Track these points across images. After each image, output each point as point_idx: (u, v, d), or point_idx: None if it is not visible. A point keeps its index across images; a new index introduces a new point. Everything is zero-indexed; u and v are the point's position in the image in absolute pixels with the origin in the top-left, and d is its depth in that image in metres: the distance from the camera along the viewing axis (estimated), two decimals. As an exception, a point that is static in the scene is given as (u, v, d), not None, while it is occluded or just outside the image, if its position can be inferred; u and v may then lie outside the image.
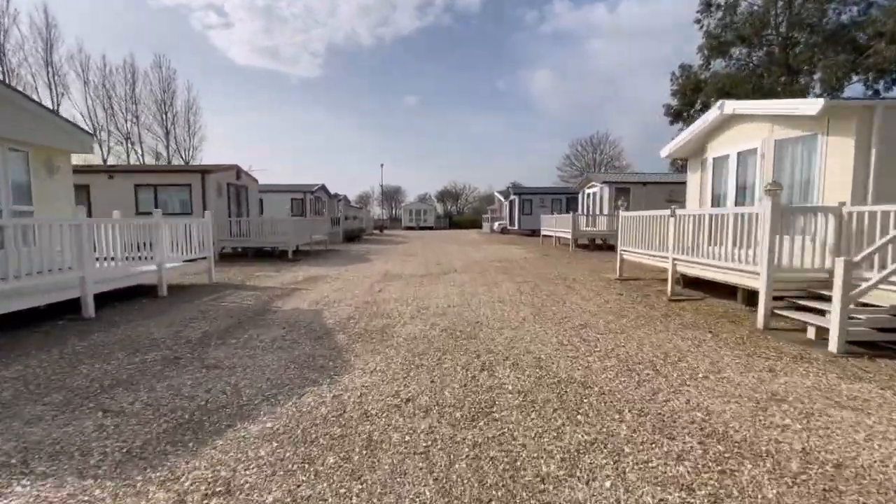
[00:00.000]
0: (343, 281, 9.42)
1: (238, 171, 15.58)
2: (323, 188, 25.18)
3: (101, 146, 32.79)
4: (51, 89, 30.81)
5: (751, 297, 5.86)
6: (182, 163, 37.89)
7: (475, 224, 55.07)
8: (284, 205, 22.55)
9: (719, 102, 8.07)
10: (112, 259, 6.59)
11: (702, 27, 28.89)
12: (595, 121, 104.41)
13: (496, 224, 35.29)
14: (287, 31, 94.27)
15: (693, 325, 5.35)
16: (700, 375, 3.65)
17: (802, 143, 6.67)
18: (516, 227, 29.33)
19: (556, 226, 18.64)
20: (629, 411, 2.98)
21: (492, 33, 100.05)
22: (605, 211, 18.01)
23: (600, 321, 5.56)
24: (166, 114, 36.32)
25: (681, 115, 29.74)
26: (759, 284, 5.06)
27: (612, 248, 14.20)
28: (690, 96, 29.14)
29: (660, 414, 2.93)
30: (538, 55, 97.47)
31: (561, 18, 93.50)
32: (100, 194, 13.16)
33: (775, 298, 5.17)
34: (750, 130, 7.64)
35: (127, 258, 7.01)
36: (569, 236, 16.88)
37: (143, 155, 36.24)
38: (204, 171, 13.60)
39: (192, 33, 78.57)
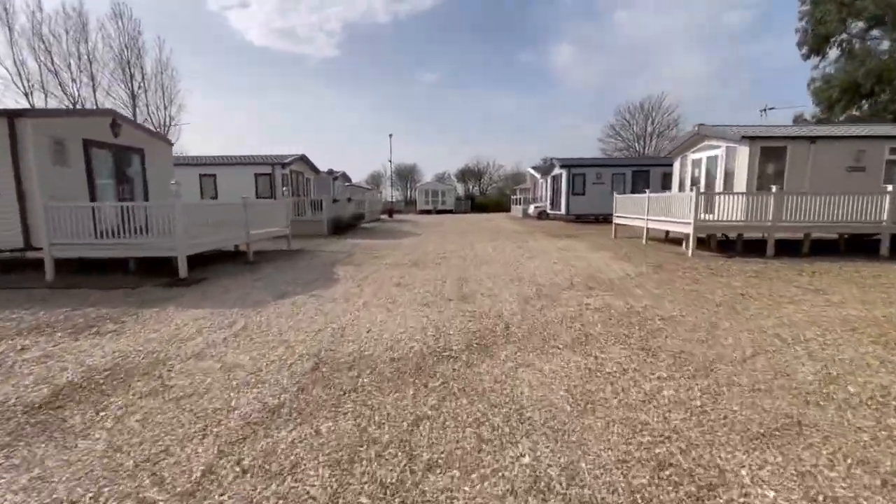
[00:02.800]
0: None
1: (115, 120, 9.11)
2: (303, 160, 18.63)
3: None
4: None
5: None
6: (157, 136, 31.99)
7: (500, 206, 47.95)
8: (244, 183, 16.18)
9: None
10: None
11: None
12: (622, 95, 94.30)
13: (532, 207, 28.24)
14: (302, 11, 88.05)
15: None
16: None
17: None
18: (562, 212, 22.25)
19: (650, 211, 11.66)
20: None
21: (511, 5, 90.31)
22: (741, 185, 10.89)
23: None
24: (132, 75, 30.30)
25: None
26: None
27: (755, 251, 8.93)
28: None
29: None
30: (561, 27, 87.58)
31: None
32: None
33: None
34: None
35: None
36: (681, 229, 9.94)
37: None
38: (13, 115, 7.17)
39: (210, 14, 73.42)
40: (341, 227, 17.26)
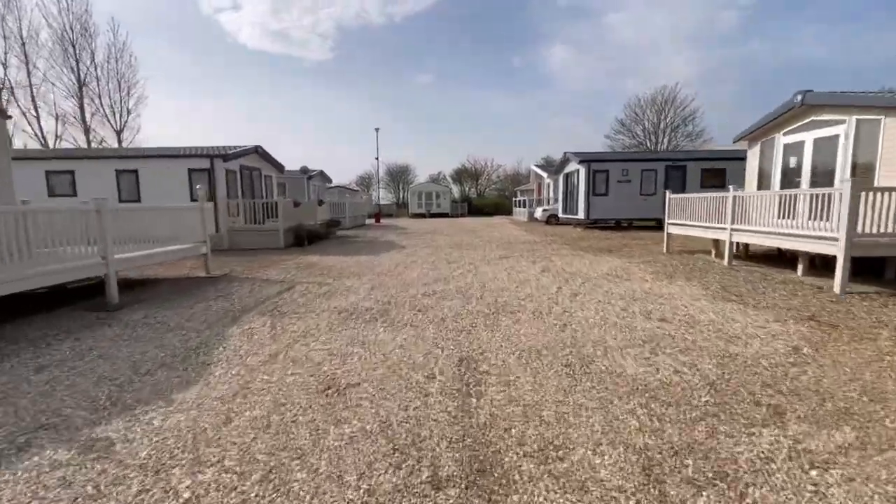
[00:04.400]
0: None
1: None
2: (258, 153, 14.70)
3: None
4: None
5: None
6: (113, 130, 28.04)
7: (500, 209, 44.21)
8: (174, 182, 12.28)
9: None
10: None
11: None
12: (617, 96, 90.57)
13: (539, 210, 24.49)
14: (294, 13, 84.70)
15: None
16: None
17: None
18: (579, 215, 18.49)
19: (736, 216, 7.93)
20: None
21: (505, 8, 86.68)
22: (892, 178, 7.11)
23: None
24: (78, 60, 26.27)
25: None
26: None
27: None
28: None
29: None
30: (554, 29, 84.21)
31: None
32: None
33: None
34: None
35: None
36: (811, 247, 6.19)
37: (37, 114, 26.32)
38: None
39: (201, 17, 69.92)
40: (307, 237, 13.40)
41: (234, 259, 10.52)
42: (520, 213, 30.11)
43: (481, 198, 54.59)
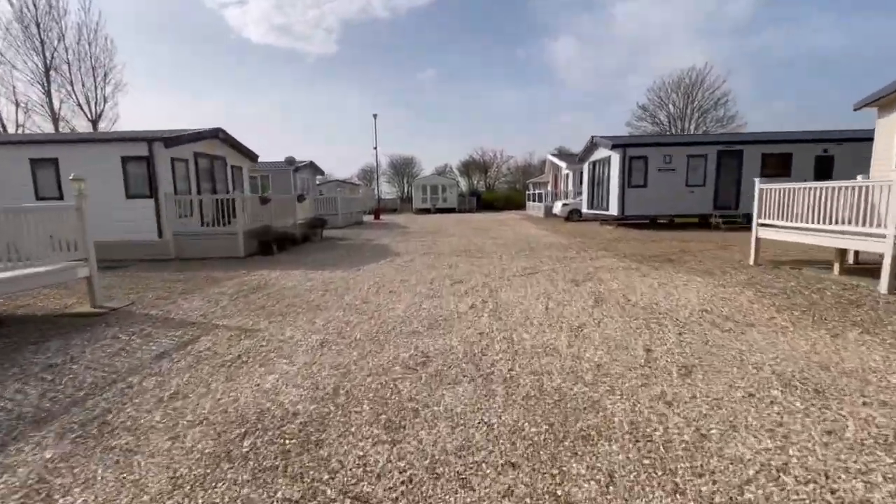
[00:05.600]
0: None
1: None
2: (219, 138, 11.87)
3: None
4: None
5: None
6: (88, 120, 25.52)
7: (512, 203, 41.20)
8: (104, 172, 9.56)
9: None
10: None
11: None
12: (626, 91, 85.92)
13: (559, 205, 21.50)
14: (299, 6, 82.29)
15: None
16: None
17: None
18: (611, 211, 15.51)
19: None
20: None
21: (510, 0, 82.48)
22: None
23: None
24: (43, 42, 23.68)
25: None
26: None
27: None
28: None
29: None
30: (561, 21, 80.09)
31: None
32: None
33: None
34: None
35: None
36: None
37: None
38: None
39: (207, 11, 68.00)
40: (275, 242, 10.67)
41: (165, 275, 7.82)
42: (535, 208, 27.14)
43: (491, 191, 51.55)
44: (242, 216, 9.98)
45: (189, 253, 9.97)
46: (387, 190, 60.89)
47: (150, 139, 9.64)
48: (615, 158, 14.90)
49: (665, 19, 66.75)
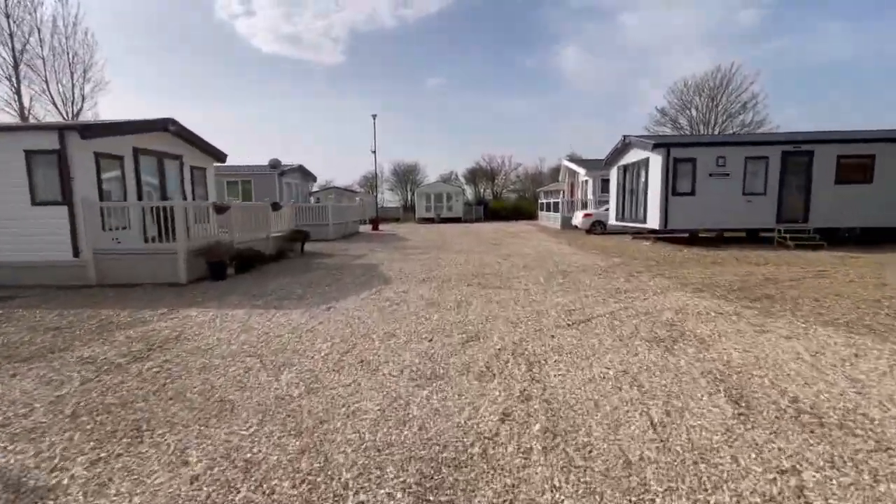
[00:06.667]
0: None
1: None
2: (168, 131, 9.46)
3: None
4: None
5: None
6: (64, 119, 23.38)
7: (521, 213, 38.62)
8: (6, 168, 7.23)
9: None
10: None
11: None
12: (636, 98, 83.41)
13: (579, 216, 18.97)
14: (307, 17, 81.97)
15: None
16: None
17: None
18: (653, 223, 12.91)
19: None
20: None
21: (517, 8, 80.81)
22: None
23: None
24: (12, 35, 21.71)
25: None
26: None
27: None
28: None
29: None
30: (568, 30, 78.32)
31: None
32: None
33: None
34: None
35: None
36: None
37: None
38: None
39: (218, 22, 67.64)
40: (233, 264, 8.26)
41: (47, 316, 5.40)
42: (549, 219, 24.64)
43: (498, 200, 49.08)
44: (184, 230, 7.56)
45: (116, 277, 7.57)
46: (389, 198, 58.73)
47: (61, 127, 7.29)
48: (655, 161, 12.41)
49: (676, 26, 64.62)
